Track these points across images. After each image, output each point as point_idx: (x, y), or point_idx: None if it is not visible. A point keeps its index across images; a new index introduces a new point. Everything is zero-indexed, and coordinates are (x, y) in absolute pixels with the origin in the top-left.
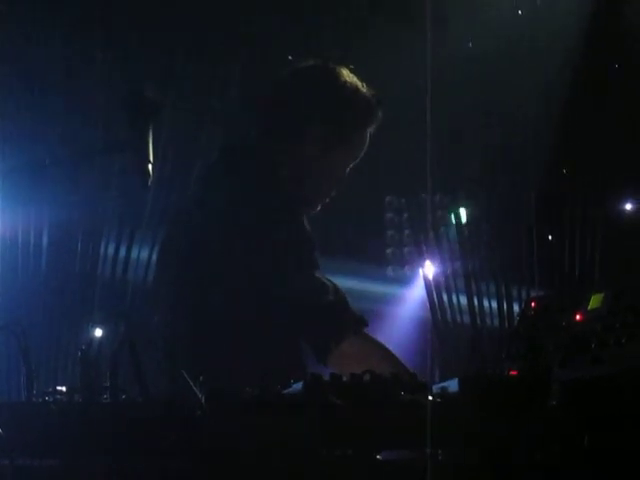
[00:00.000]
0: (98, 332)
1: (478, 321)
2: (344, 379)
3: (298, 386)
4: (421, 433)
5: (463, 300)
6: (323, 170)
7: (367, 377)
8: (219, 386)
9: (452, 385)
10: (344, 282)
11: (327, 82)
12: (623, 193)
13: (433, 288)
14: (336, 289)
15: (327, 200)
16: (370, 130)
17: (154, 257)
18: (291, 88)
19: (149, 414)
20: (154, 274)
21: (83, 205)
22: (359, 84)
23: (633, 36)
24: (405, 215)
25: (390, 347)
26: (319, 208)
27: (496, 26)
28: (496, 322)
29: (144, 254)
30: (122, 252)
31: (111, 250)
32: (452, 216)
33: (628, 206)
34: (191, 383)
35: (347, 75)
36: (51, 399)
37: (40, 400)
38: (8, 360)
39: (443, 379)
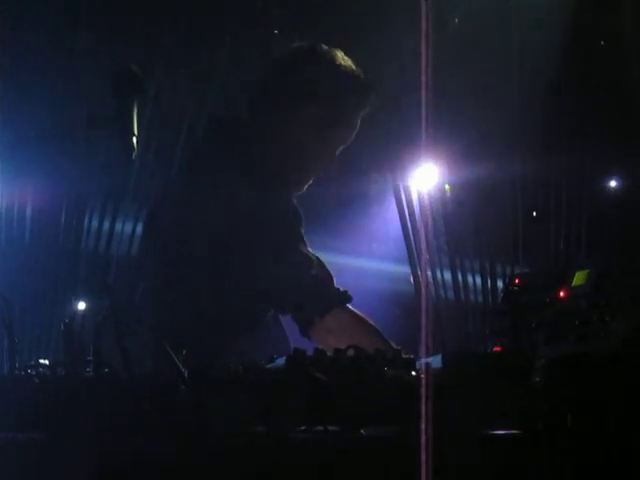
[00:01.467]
0: (81, 305)
1: (462, 297)
2: (328, 354)
3: (281, 361)
4: (405, 409)
5: (448, 276)
6: (313, 150)
7: (351, 352)
8: (202, 360)
9: (435, 361)
10: (329, 257)
11: (322, 63)
12: (607, 172)
13: (418, 264)
14: (321, 264)
15: (314, 180)
16: (362, 114)
17: (138, 231)
18: (286, 67)
19: (132, 388)
20: (139, 246)
21: (67, 179)
22: (354, 67)
23: (621, 18)
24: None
25: (373, 322)
26: (305, 188)
27: (483, 9)
28: (480, 298)
29: (128, 228)
30: (106, 226)
31: (95, 224)
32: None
33: (612, 184)
34: (174, 357)
35: (342, 58)
36: (34, 372)
37: (23, 373)
38: None
39: (427, 355)
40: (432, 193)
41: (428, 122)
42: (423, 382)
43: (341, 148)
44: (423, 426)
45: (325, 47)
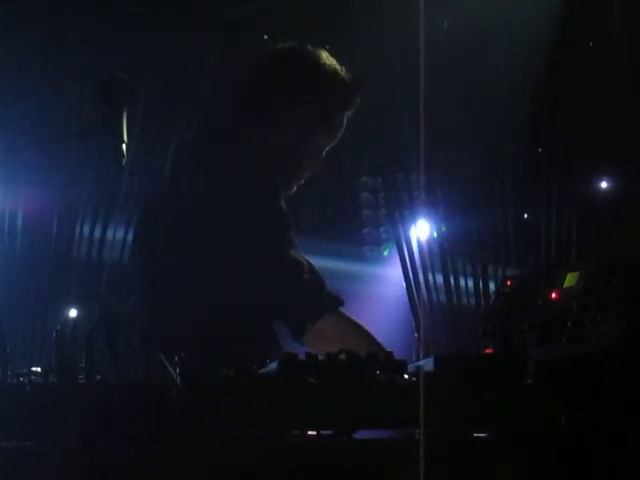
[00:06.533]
0: (73, 313)
1: (455, 300)
2: (319, 358)
3: (273, 366)
4: (396, 412)
5: (440, 279)
6: (301, 152)
7: (342, 356)
8: (194, 367)
9: (427, 364)
10: (320, 261)
11: (308, 63)
12: (598, 171)
13: (410, 267)
14: (312, 268)
15: (302, 181)
16: (349, 113)
17: (129, 238)
18: (271, 70)
19: (124, 395)
20: (130, 255)
21: (58, 186)
22: (338, 67)
23: (609, 16)
24: (381, 194)
25: (366, 326)
26: (295, 189)
27: (472, 8)
28: (472, 301)
29: (119, 235)
30: (97, 233)
31: (86, 231)
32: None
33: (603, 184)
34: (167, 364)
35: (326, 57)
36: (26, 380)
37: (15, 381)
38: None
39: (420, 358)
40: (422, 196)
41: (416, 126)
42: (415, 385)
43: (327, 149)
44: (415, 429)
45: (309, 47)
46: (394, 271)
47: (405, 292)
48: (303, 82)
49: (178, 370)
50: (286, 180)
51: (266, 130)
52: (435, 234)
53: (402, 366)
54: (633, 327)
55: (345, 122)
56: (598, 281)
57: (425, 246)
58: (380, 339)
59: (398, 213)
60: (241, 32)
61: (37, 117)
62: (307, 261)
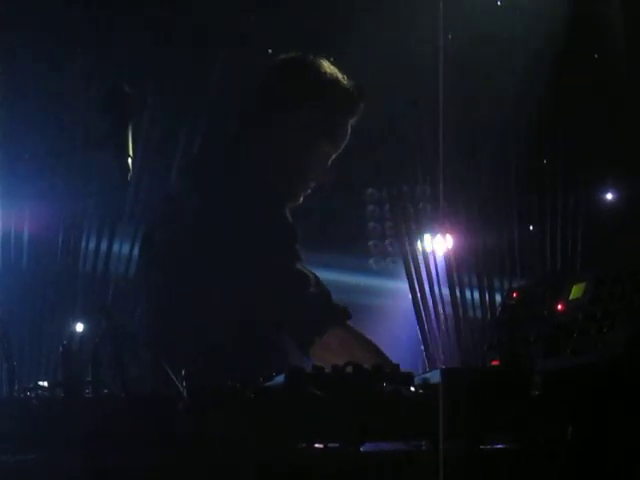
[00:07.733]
0: (80, 327)
1: (461, 312)
2: (326, 371)
3: (280, 378)
4: (403, 425)
5: (446, 291)
6: (306, 161)
7: (349, 369)
8: (201, 379)
9: (434, 376)
10: (326, 274)
11: (310, 70)
12: (604, 183)
13: (416, 280)
14: (318, 281)
15: (309, 192)
16: (352, 121)
17: (135, 251)
18: (276, 78)
19: (131, 408)
20: (136, 268)
21: (64, 200)
22: (340, 75)
23: (614, 22)
24: (386, 207)
25: (373, 339)
26: (301, 200)
27: (476, 15)
28: (478, 313)
29: (125, 248)
30: (103, 247)
31: (92, 245)
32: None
33: (609, 196)
34: (173, 377)
35: (328, 67)
36: (33, 394)
37: (22, 395)
38: None
39: (426, 370)
40: (428, 208)
41: (422, 136)
42: (422, 397)
43: (333, 157)
44: (422, 441)
45: (311, 57)
46: (400, 283)
47: (411, 305)
48: (305, 87)
49: (184, 383)
50: (292, 190)
51: (271, 139)
52: (441, 246)
53: (409, 378)
54: (639, 334)
55: (349, 131)
56: (604, 290)
57: (431, 258)
58: (387, 352)
59: (404, 225)
60: (244, 42)
61: (43, 131)
62: (313, 274)
